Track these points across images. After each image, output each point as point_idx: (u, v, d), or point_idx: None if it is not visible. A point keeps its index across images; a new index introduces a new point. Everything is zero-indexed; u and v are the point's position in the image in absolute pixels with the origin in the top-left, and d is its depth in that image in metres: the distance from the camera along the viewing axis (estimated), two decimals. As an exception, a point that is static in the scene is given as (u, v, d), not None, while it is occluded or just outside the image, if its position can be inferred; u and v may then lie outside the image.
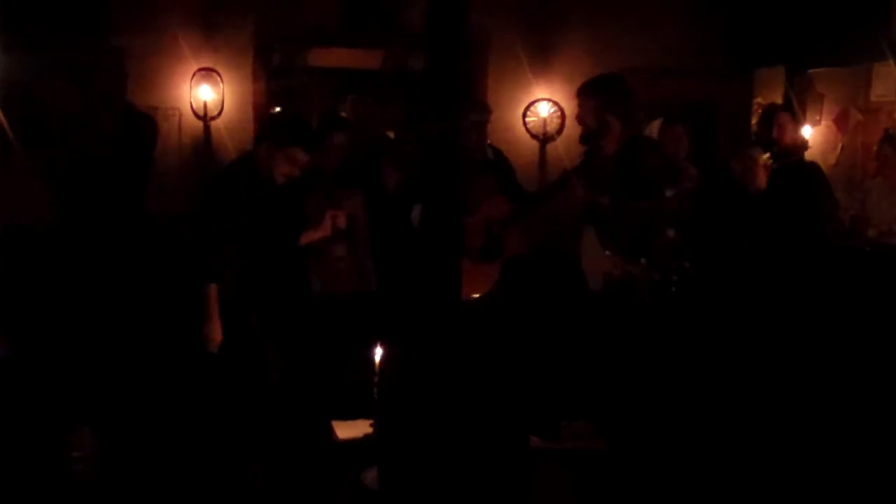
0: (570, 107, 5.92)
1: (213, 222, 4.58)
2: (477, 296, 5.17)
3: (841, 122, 7.57)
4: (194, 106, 7.14)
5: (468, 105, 5.69)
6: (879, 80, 7.26)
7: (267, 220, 4.70)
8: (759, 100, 7.93)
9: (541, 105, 7.55)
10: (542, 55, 7.50)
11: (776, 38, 7.40)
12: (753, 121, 7.74)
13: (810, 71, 7.62)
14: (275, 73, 7.89)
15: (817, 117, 7.68)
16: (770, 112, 7.06)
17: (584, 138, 5.08)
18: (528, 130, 7.60)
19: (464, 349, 3.93)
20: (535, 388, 4.85)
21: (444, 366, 3.85)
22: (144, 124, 5.98)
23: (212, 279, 4.57)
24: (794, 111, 7.07)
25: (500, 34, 7.45)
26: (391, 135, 6.11)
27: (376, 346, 4.09)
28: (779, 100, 7.63)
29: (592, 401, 4.85)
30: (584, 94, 5.02)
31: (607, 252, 4.86)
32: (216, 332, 4.58)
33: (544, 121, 7.57)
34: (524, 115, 7.59)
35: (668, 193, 4.79)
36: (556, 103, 7.56)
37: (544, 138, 7.61)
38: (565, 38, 7.55)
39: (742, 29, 7.64)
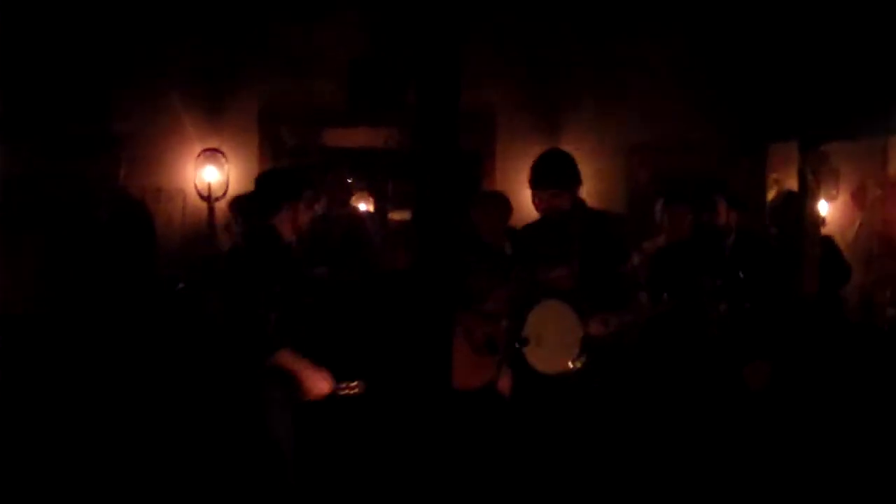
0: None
1: (249, 293, 4.45)
2: (476, 385, 5.03)
3: (858, 197, 7.41)
4: (199, 187, 7.11)
5: (486, 198, 5.73)
6: (896, 154, 7.13)
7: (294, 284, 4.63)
8: (774, 175, 7.79)
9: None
10: (550, 133, 7.41)
11: (789, 112, 7.28)
12: (769, 196, 7.58)
13: (825, 145, 7.47)
14: (291, 154, 7.86)
15: (833, 192, 7.52)
16: (789, 198, 6.88)
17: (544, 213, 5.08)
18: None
19: (458, 439, 3.84)
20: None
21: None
22: (136, 212, 5.93)
23: (273, 347, 4.46)
24: (810, 187, 6.91)
25: (506, 112, 7.40)
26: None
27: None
28: (793, 175, 7.48)
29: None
30: (536, 179, 5.06)
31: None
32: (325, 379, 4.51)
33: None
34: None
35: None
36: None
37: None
38: (573, 115, 7.46)
39: (754, 103, 7.53)
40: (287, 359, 4.44)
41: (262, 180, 4.86)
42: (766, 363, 4.81)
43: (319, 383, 4.49)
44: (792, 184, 7.52)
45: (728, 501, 4.71)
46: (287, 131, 7.70)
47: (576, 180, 5.01)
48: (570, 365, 4.73)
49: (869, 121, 6.82)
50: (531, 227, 5.24)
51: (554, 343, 4.84)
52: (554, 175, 4.97)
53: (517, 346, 4.82)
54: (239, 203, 6.49)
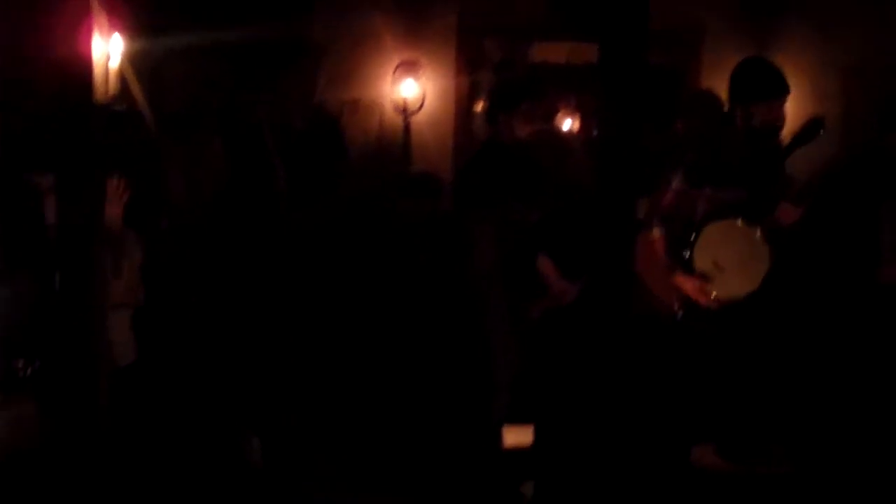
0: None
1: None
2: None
3: None
4: (395, 100, 7.09)
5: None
6: None
7: None
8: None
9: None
10: (760, 51, 6.97)
11: None
12: None
13: None
14: (498, 68, 7.71)
15: None
16: None
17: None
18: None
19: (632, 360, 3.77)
20: (718, 407, 4.51)
21: (610, 374, 3.69)
22: (329, 126, 5.94)
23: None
24: None
25: (713, 27, 7.01)
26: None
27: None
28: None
29: (787, 422, 4.50)
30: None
31: None
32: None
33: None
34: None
35: None
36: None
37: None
38: (787, 32, 6.99)
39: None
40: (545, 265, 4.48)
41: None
42: None
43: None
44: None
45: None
46: (491, 44, 7.56)
47: (788, 88, 4.70)
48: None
49: None
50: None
51: (734, 266, 4.59)
52: (769, 84, 4.66)
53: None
54: None
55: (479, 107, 7.32)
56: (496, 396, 4.43)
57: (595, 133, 7.32)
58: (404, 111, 7.07)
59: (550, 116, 6.72)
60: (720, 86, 6.58)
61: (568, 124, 8.48)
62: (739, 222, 4.60)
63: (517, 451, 4.15)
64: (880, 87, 6.34)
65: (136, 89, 4.81)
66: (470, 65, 7.31)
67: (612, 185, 3.92)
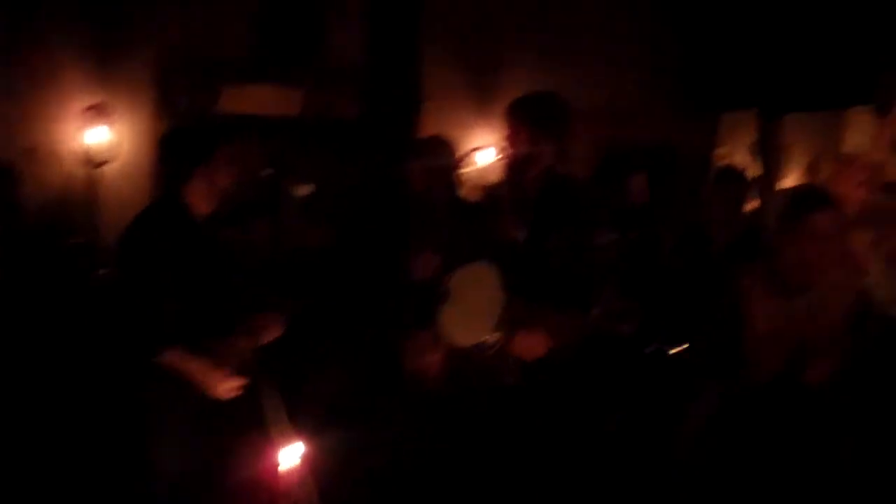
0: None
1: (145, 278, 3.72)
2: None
3: (812, 172, 6.88)
4: (81, 148, 6.22)
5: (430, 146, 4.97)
6: (855, 129, 6.60)
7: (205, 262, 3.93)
8: (722, 150, 7.22)
9: (480, 153, 6.71)
10: (486, 95, 6.69)
11: (741, 80, 6.70)
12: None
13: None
14: (183, 118, 6.96)
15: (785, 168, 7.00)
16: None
17: (512, 166, 4.30)
18: (464, 180, 6.71)
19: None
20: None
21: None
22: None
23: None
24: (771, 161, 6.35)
25: (436, 72, 6.65)
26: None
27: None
28: (743, 147, 6.94)
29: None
30: (518, 112, 4.24)
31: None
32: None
33: (481, 171, 6.70)
34: (459, 164, 6.72)
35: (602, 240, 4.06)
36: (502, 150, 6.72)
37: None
38: (508, 78, 6.74)
39: (703, 69, 6.93)
40: (175, 359, 3.73)
41: (168, 141, 4.05)
42: None
43: (216, 382, 3.79)
44: (739, 158, 7.01)
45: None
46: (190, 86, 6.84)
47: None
48: (486, 339, 4.01)
49: (827, 92, 6.30)
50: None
51: (473, 310, 4.14)
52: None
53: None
54: None
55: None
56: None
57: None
58: (91, 161, 6.20)
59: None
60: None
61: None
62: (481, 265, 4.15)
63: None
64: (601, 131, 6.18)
65: None
66: (171, 108, 6.55)
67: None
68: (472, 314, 4.11)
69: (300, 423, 3.87)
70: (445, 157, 5.01)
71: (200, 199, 3.88)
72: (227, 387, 3.81)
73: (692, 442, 3.93)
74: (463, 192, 4.99)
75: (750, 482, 3.73)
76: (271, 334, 4.11)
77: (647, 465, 4.40)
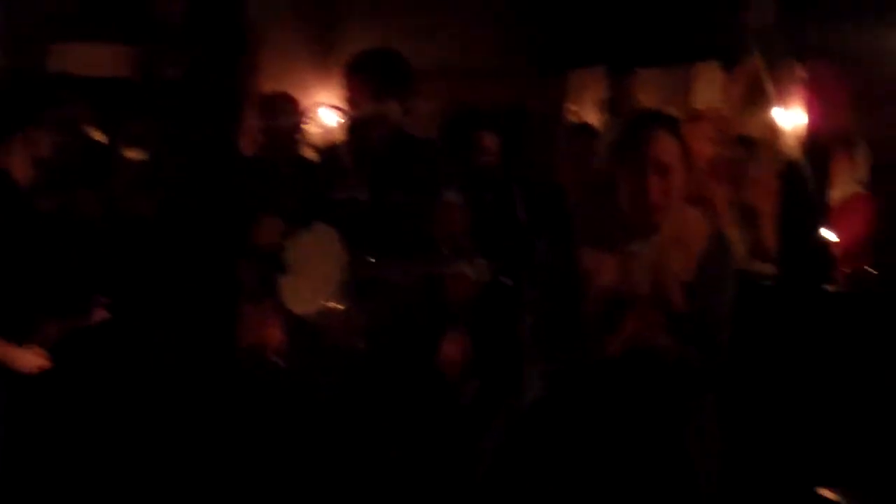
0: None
1: None
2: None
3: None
4: None
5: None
6: (704, 84, 6.58)
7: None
8: (572, 107, 7.12)
9: (321, 110, 6.44)
10: (324, 52, 6.41)
11: (591, 36, 6.60)
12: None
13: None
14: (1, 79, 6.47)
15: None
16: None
17: (355, 126, 4.11)
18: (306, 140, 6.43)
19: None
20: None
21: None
22: None
23: None
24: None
25: (273, 28, 6.33)
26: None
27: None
28: (593, 104, 6.85)
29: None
30: (360, 70, 4.03)
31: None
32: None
33: (325, 129, 6.45)
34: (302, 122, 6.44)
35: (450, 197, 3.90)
36: (340, 109, 6.48)
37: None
38: (351, 35, 6.47)
39: (555, 26, 6.80)
40: None
41: None
42: None
43: (27, 360, 3.66)
44: (590, 116, 6.93)
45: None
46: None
47: None
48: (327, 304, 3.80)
49: (676, 47, 6.27)
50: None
51: (314, 276, 3.92)
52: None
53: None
54: None
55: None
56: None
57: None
58: None
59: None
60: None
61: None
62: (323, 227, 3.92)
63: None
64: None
65: None
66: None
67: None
68: (313, 280, 3.91)
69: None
70: (286, 115, 4.79)
71: (20, 166, 3.69)
72: (33, 364, 3.65)
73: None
74: (304, 152, 4.78)
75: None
76: (92, 316, 3.87)
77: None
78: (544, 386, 2.94)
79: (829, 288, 4.80)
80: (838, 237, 5.07)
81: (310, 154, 5.08)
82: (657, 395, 2.84)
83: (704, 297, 2.90)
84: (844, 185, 5.37)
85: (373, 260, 3.95)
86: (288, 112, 4.93)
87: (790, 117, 5.56)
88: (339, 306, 3.96)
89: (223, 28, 5.02)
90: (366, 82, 4.10)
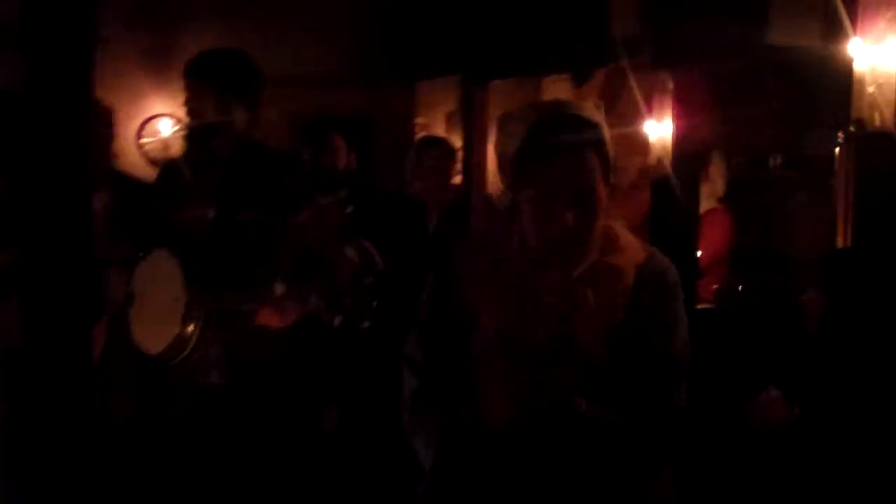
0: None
1: None
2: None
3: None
4: None
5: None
6: (553, 96, 6.56)
7: None
8: (421, 120, 7.01)
9: (161, 122, 6.12)
10: (162, 60, 6.08)
11: (443, 46, 6.48)
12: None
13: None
14: None
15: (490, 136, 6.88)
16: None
17: (193, 135, 3.77)
18: (144, 154, 6.12)
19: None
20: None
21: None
22: None
23: None
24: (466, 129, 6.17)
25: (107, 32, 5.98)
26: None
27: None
28: (442, 116, 6.76)
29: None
30: (200, 73, 3.70)
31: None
32: None
33: (165, 142, 6.13)
34: (139, 136, 6.12)
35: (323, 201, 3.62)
36: (180, 120, 6.17)
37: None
38: (193, 41, 6.16)
39: (407, 36, 6.66)
40: None
41: None
42: None
43: None
44: (438, 128, 6.83)
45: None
46: None
47: None
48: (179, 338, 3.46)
49: (529, 57, 6.21)
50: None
51: (158, 310, 3.58)
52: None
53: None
54: None
55: None
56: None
57: None
58: None
59: None
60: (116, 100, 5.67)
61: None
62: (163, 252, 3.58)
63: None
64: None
65: None
66: None
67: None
68: (157, 315, 3.54)
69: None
70: (99, 127, 4.39)
71: None
72: None
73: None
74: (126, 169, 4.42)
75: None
76: None
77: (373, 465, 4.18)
78: (434, 461, 2.28)
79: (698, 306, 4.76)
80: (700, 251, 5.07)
81: (149, 170, 4.76)
82: (572, 472, 2.20)
83: (640, 343, 2.22)
84: (703, 200, 5.34)
85: (212, 295, 3.58)
86: (101, 123, 4.53)
87: (657, 128, 5.57)
88: (189, 337, 3.59)
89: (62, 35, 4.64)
90: (206, 84, 3.74)
